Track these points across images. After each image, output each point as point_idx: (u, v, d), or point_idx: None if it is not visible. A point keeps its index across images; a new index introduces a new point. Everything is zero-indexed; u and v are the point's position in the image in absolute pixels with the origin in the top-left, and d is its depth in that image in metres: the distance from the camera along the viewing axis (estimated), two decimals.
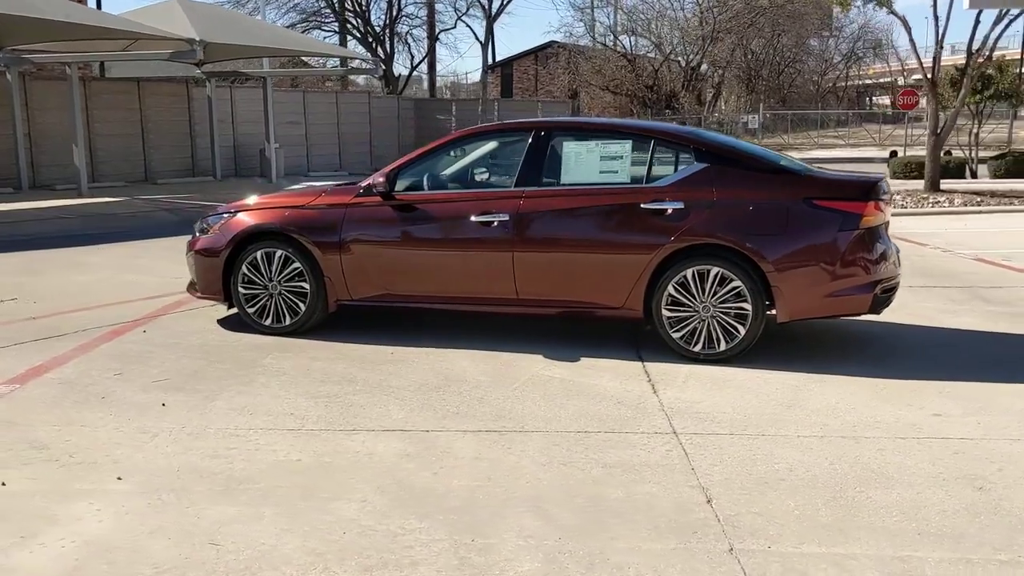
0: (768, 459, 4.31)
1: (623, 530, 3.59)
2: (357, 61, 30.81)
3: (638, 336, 6.61)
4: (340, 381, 5.58)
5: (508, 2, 32.30)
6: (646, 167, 6.26)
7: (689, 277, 5.97)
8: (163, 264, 10.08)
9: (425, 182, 6.76)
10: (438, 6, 39.44)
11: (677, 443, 4.53)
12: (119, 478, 4.08)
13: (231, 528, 3.60)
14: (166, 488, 3.98)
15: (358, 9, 36.80)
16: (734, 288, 5.89)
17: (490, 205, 6.33)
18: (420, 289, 6.55)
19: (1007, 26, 16.39)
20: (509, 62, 55.13)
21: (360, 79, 39.02)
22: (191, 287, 7.18)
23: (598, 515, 3.72)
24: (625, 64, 44.85)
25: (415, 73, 40.15)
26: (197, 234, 7.11)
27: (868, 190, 5.92)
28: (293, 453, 4.40)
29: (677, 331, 6.05)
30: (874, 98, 76.37)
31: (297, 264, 6.64)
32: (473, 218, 6.32)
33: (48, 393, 5.30)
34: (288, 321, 6.73)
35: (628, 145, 6.30)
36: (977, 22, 16.92)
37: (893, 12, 17.24)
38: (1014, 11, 16.13)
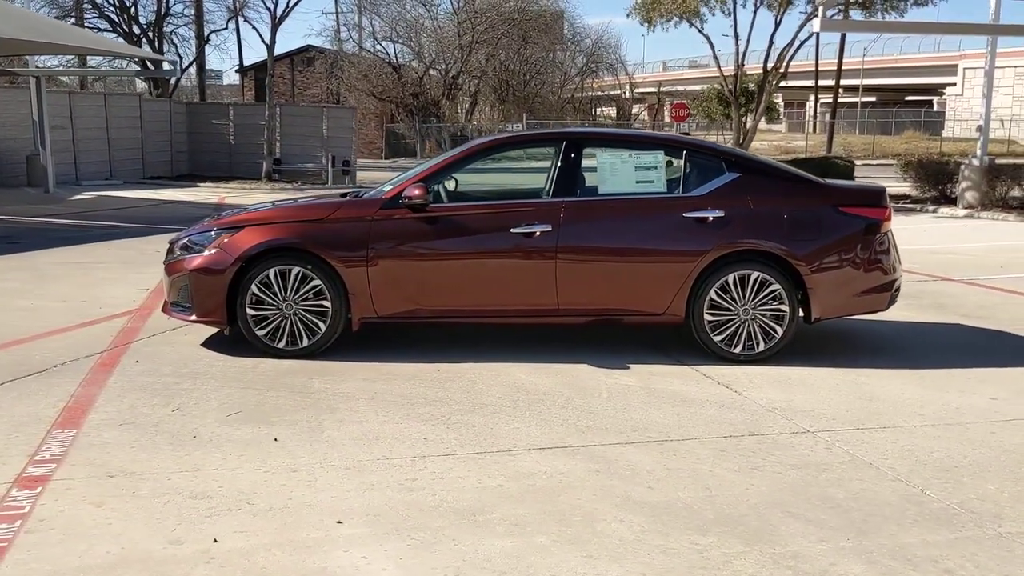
0: (920, 450, 4.64)
1: (890, 526, 3.75)
2: (164, 64, 28.46)
3: (663, 340, 6.77)
4: (429, 402, 5.30)
5: (295, 4, 31.05)
6: (681, 177, 6.46)
7: (730, 282, 6.23)
8: (32, 287, 8.93)
9: (449, 192, 6.55)
10: (208, 5, 37.48)
11: (825, 441, 4.75)
12: (339, 522, 3.68)
13: (531, 560, 3.38)
14: (407, 527, 3.64)
15: (123, 4, 34.04)
16: (772, 291, 6.22)
17: (531, 216, 6.25)
18: (454, 303, 6.33)
19: (798, 48, 18.22)
20: (263, 65, 53.19)
21: (139, 82, 36.04)
22: (174, 308, 6.47)
23: (848, 514, 3.86)
24: (391, 71, 44.77)
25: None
26: (180, 253, 6.44)
27: (882, 197, 6.48)
28: (486, 479, 4.16)
29: (718, 334, 6.29)
30: (601, 109, 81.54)
31: (317, 282, 6.19)
32: (514, 230, 6.21)
33: (124, 437, 4.62)
34: (306, 343, 6.25)
35: (661, 155, 6.45)
36: (771, 43, 18.64)
37: (700, 31, 18.58)
38: (803, 36, 17.95)
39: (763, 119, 35.07)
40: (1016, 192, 17.57)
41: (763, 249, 6.22)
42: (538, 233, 6.20)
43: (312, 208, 6.61)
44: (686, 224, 6.25)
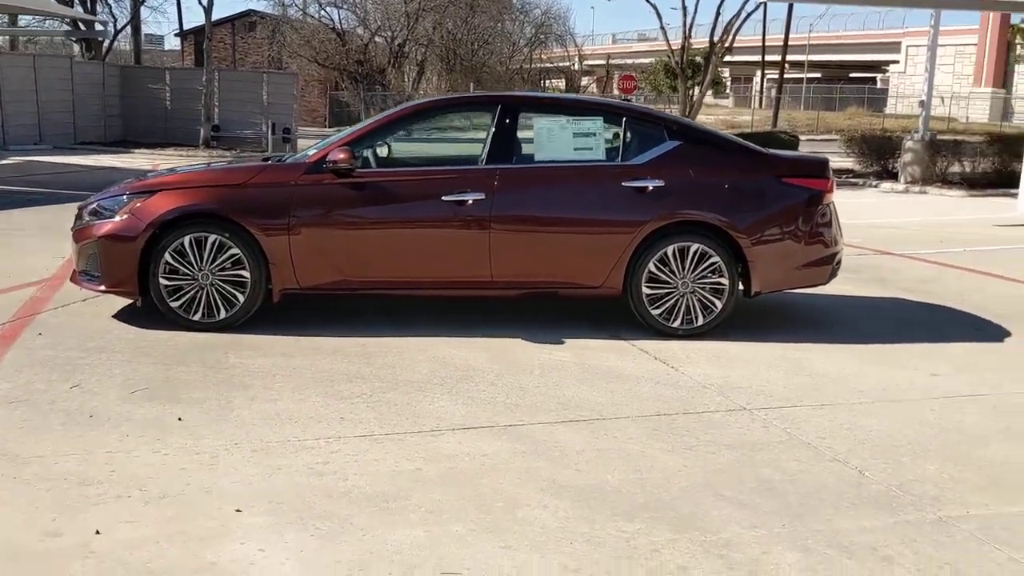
0: (859, 428, 4.48)
1: (827, 510, 3.57)
2: (96, 25, 27.37)
3: (600, 314, 6.55)
4: (350, 379, 5.01)
5: None
6: (620, 145, 6.21)
7: (670, 254, 6.01)
8: None
9: (379, 158, 6.23)
10: None
11: (762, 419, 4.57)
12: (238, 510, 3.39)
13: (445, 552, 3.12)
14: (313, 515, 3.36)
15: None
16: (712, 264, 6.02)
17: (463, 183, 5.95)
18: (381, 274, 6.02)
19: (745, 20, 18.09)
20: (203, 30, 51.80)
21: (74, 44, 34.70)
22: (83, 277, 6.07)
23: (783, 497, 3.67)
24: (335, 38, 43.86)
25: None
26: (89, 219, 6.03)
27: (825, 168, 6.30)
28: (403, 462, 3.89)
29: (657, 308, 6.07)
30: (550, 81, 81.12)
31: (236, 250, 5.83)
32: (445, 197, 5.91)
33: (13, 417, 4.26)
34: (223, 315, 5.90)
35: (600, 122, 6.19)
36: (718, 15, 18.48)
37: (648, 0, 18.33)
38: (750, 7, 17.80)
39: (710, 94, 35.10)
40: (956, 168, 17.69)
41: (704, 220, 6.01)
42: (471, 201, 5.91)
43: (231, 172, 6.25)
44: (625, 194, 6.00)
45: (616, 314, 6.38)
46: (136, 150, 24.96)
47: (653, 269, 6.01)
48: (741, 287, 6.18)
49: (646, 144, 6.23)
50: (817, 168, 6.28)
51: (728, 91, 72.80)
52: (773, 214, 6.07)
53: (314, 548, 3.12)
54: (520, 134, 6.22)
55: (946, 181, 17.40)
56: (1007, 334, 6.46)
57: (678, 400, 4.82)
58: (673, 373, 5.30)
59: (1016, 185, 16.44)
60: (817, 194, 6.15)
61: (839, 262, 6.38)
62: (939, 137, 18.87)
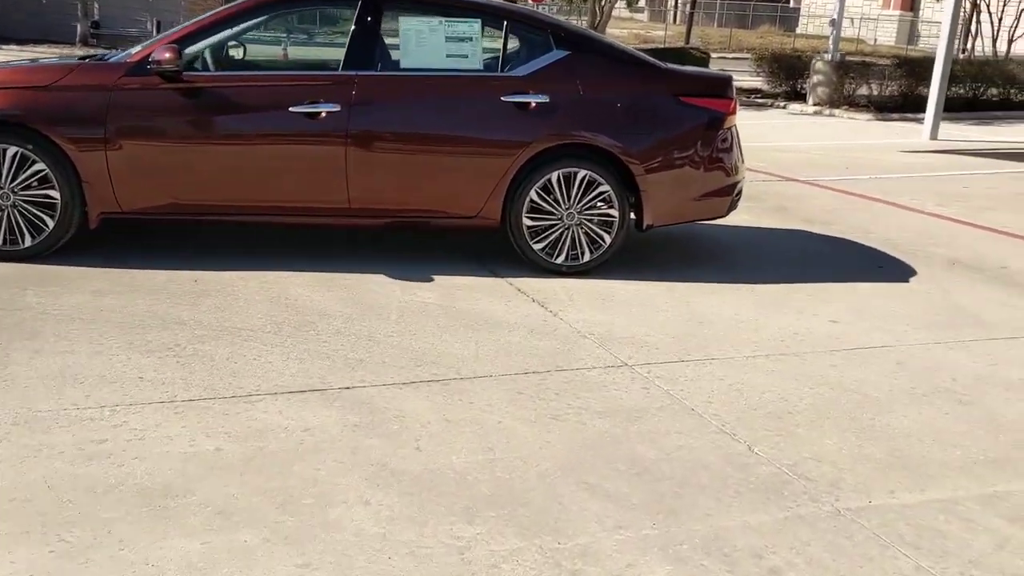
0: (751, 389, 3.92)
1: (708, 501, 2.99)
2: None
3: (478, 247, 5.84)
4: (167, 324, 4.22)
5: None
6: (500, 53, 5.43)
7: (554, 181, 5.32)
8: None
9: (218, 60, 5.32)
10: None
11: (643, 378, 3.97)
12: None
13: (224, 574, 2.44)
14: (60, 521, 2.62)
15: None
16: (601, 193, 5.36)
17: (315, 92, 5.11)
18: (220, 197, 5.18)
19: None
20: None
21: None
22: None
23: (657, 485, 3.08)
24: None
25: None
26: None
27: (728, 86, 5.64)
28: (200, 439, 3.17)
29: (539, 242, 5.40)
30: None
31: (41, 165, 4.91)
32: (293, 108, 5.06)
33: None
34: (29, 242, 5.01)
35: (477, 25, 5.37)
36: None
37: None
38: None
39: (624, 6, 34.11)
40: (864, 90, 17.34)
41: (593, 144, 5.31)
42: (324, 114, 5.08)
43: (35, 71, 5.26)
44: (504, 110, 5.25)
45: (496, 249, 5.68)
46: (5, 46, 22.88)
47: (535, 198, 5.32)
48: (633, 219, 5.53)
49: (530, 53, 5.47)
50: (719, 87, 5.61)
51: (643, 3, 71.68)
52: (669, 138, 5.41)
53: (45, 573, 2.39)
54: (389, 39, 5.37)
55: (854, 104, 17.05)
56: (912, 273, 6.00)
57: (551, 354, 4.18)
58: (551, 319, 4.65)
59: (922, 109, 16.23)
60: (718, 116, 5.50)
61: (740, 192, 5.78)
62: (848, 59, 18.47)
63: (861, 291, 5.48)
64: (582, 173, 5.31)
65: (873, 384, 4.05)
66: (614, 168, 5.36)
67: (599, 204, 5.37)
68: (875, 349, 4.50)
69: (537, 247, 5.39)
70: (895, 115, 16.47)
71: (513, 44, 5.45)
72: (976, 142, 13.36)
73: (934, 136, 13.32)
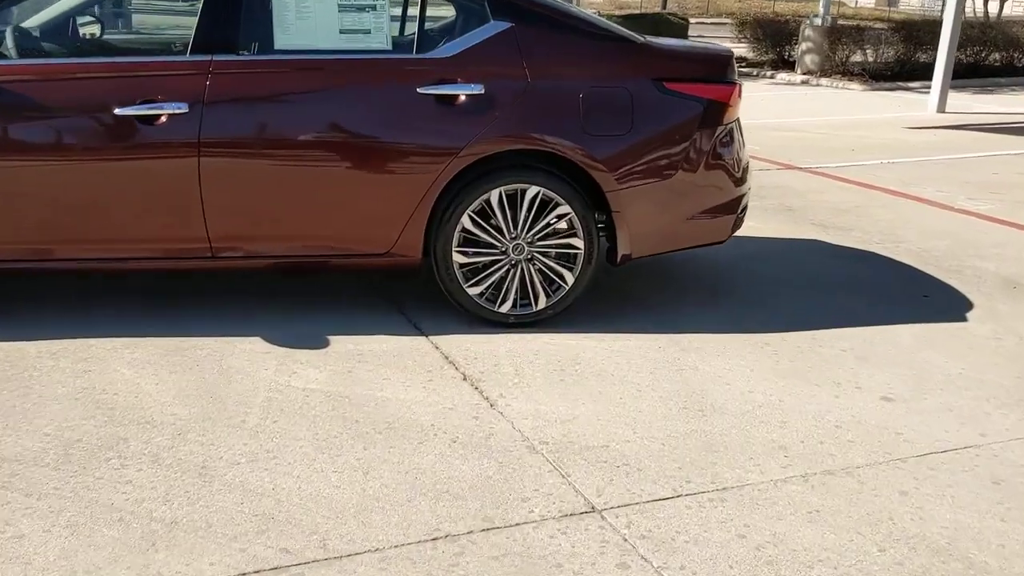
0: (790, 560, 2.48)
1: None
2: None
3: (392, 289, 4.38)
4: None
5: None
6: (416, 27, 3.94)
7: (494, 202, 3.85)
8: None
9: (25, 44, 3.80)
10: None
11: (620, 542, 2.52)
12: None
13: None
14: None
15: None
16: (560, 216, 3.90)
17: (152, 86, 3.61)
18: (24, 238, 3.68)
19: None
20: None
21: None
22: None
23: None
24: None
25: None
26: None
27: (727, 66, 4.17)
28: None
29: (476, 285, 3.94)
30: None
31: None
32: (121, 110, 3.56)
33: None
34: None
35: None
36: None
37: None
38: None
39: None
40: (858, 57, 15.90)
41: (547, 149, 3.84)
42: (164, 117, 3.58)
43: None
44: (422, 106, 3.77)
45: (424, 289, 4.22)
46: None
47: (469, 226, 3.86)
48: (604, 247, 4.09)
49: (458, 26, 3.99)
50: (717, 67, 4.14)
51: None
52: (651, 138, 3.94)
53: None
54: (259, 10, 3.85)
55: (846, 72, 15.61)
56: (965, 303, 4.60)
57: (480, 489, 2.73)
58: (486, 415, 3.20)
59: (919, 78, 14.81)
60: (717, 108, 4.04)
61: (745, 208, 4.33)
62: (840, 23, 17.01)
63: (909, 339, 4.07)
64: (533, 190, 3.85)
65: (974, 533, 2.63)
66: (576, 182, 3.90)
67: (557, 231, 3.92)
68: (956, 453, 3.08)
69: (473, 292, 3.94)
70: (891, 84, 15.10)
71: (434, 13, 3.95)
72: (988, 114, 11.98)
73: (941, 109, 11.92)
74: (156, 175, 3.63)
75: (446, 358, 3.66)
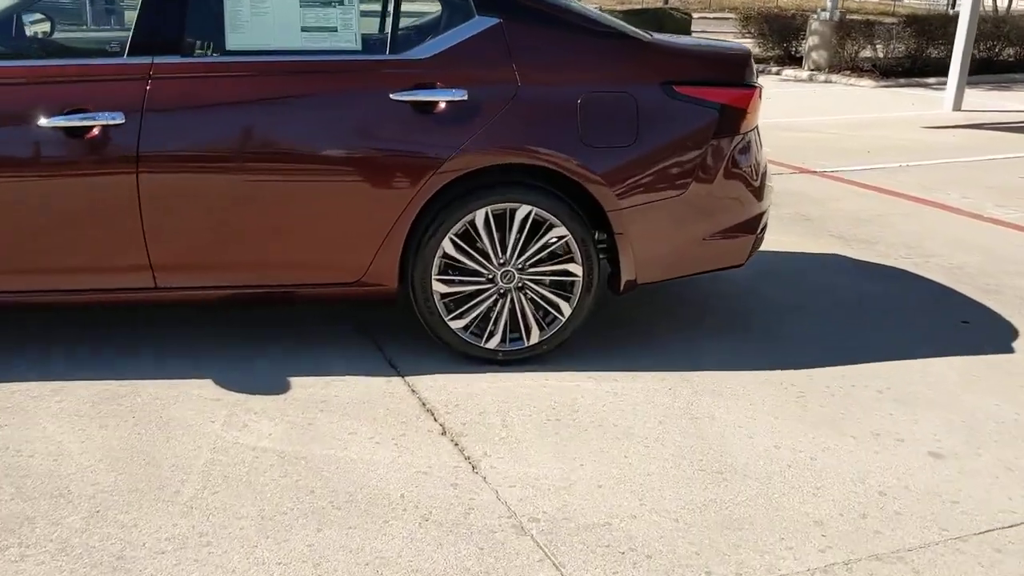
0: None
1: None
2: None
3: (368, 318, 3.90)
4: None
5: None
6: (389, 23, 3.44)
7: (480, 223, 3.37)
8: None
9: None
10: None
11: None
12: None
13: None
14: None
15: None
16: (557, 238, 3.41)
17: (81, 92, 3.12)
18: None
19: None
20: None
21: None
22: None
23: None
24: None
25: None
26: None
27: (745, 67, 3.67)
28: None
29: (458, 317, 3.45)
30: None
31: None
32: (47, 121, 3.07)
33: None
34: None
35: None
36: None
37: None
38: None
39: None
40: (867, 52, 15.38)
41: (539, 163, 3.35)
42: (97, 129, 3.09)
43: None
44: (397, 114, 3.28)
45: (403, 318, 3.74)
46: None
47: (451, 250, 3.37)
48: (605, 272, 3.60)
49: (438, 23, 3.49)
50: (733, 68, 3.64)
51: None
52: (659, 150, 3.45)
53: None
54: (207, 3, 3.35)
55: (855, 68, 15.09)
56: (1012, 332, 4.12)
57: None
58: (466, 480, 2.71)
59: (932, 74, 14.31)
60: (733, 114, 3.54)
61: (765, 227, 3.83)
62: (849, 17, 16.49)
63: (952, 376, 3.58)
64: (524, 210, 3.36)
65: None
66: (574, 200, 3.42)
67: (552, 256, 3.43)
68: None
69: (457, 325, 3.45)
70: (902, 80, 14.56)
71: (410, 8, 3.46)
72: (1006, 112, 11.46)
73: (958, 107, 11.41)
74: (88, 195, 3.14)
75: (423, 405, 3.17)
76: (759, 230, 3.73)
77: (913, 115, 11.12)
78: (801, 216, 6.05)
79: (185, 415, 3.02)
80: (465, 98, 3.28)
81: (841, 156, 8.33)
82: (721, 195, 3.57)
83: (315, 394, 3.21)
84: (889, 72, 14.75)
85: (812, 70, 15.38)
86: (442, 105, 3.28)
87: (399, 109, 3.26)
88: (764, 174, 3.74)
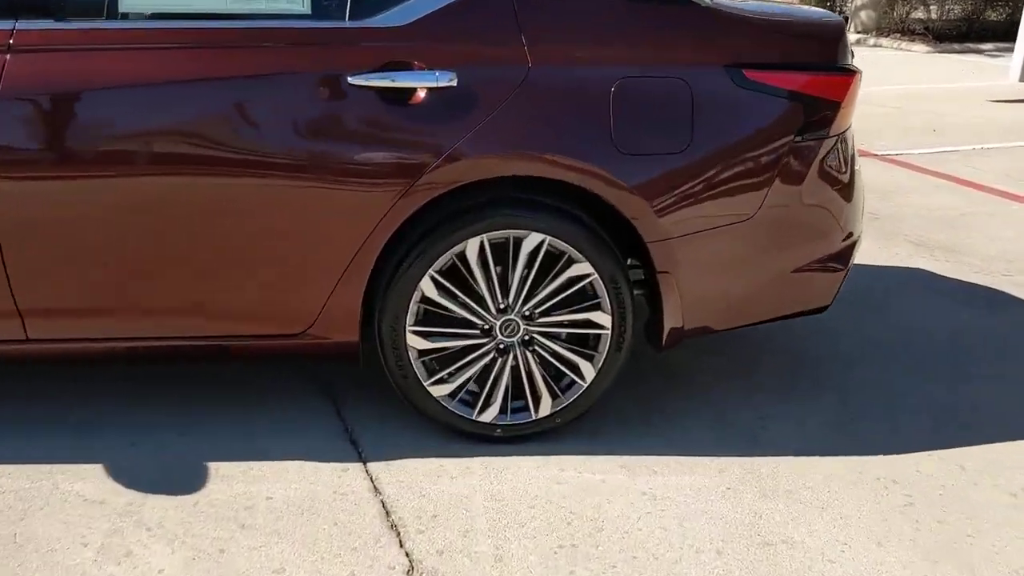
0: None
1: None
2: None
3: (330, 374, 2.99)
4: None
5: None
6: None
7: (472, 256, 2.44)
8: None
9: None
10: None
11: None
12: None
13: None
14: None
15: None
16: (576, 279, 2.48)
17: None
18: None
19: None
20: None
21: None
22: None
23: None
24: None
25: None
26: None
27: (839, 43, 2.69)
28: None
29: (443, 382, 2.54)
30: None
31: None
32: None
33: None
34: None
35: None
36: None
37: None
38: None
39: None
40: (920, 14, 14.19)
41: (556, 176, 2.40)
42: None
43: None
44: (358, 105, 2.34)
45: (374, 373, 2.83)
46: None
47: (432, 292, 2.44)
48: (640, 317, 2.66)
49: None
50: (824, 46, 2.66)
51: None
52: (721, 157, 2.50)
53: None
54: None
55: (906, 31, 13.93)
56: None
57: None
58: None
59: (989, 39, 13.15)
60: (824, 108, 2.58)
61: (853, 256, 2.87)
62: None
63: None
64: (533, 239, 2.43)
65: None
66: (603, 226, 2.48)
67: (571, 301, 2.50)
68: None
69: (440, 392, 2.54)
70: (957, 45, 13.41)
71: None
72: None
73: None
74: None
75: (387, 516, 2.27)
76: (848, 264, 2.78)
77: (976, 86, 10.02)
78: (869, 213, 5.07)
79: (50, 530, 2.15)
80: (454, 83, 2.33)
81: (903, 135, 7.31)
82: (804, 218, 2.62)
83: (239, 494, 2.32)
84: (943, 36, 13.59)
85: (859, 32, 14.22)
86: (421, 93, 2.33)
87: (360, 98, 2.32)
88: (860, 187, 2.78)
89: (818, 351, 3.33)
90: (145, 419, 2.64)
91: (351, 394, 2.83)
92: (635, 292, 2.55)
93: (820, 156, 2.58)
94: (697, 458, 2.58)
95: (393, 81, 2.32)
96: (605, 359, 2.57)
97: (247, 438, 2.57)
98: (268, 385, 2.87)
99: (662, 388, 2.97)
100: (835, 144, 2.61)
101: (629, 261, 2.58)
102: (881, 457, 2.63)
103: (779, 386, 3.03)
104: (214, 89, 2.30)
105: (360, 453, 2.55)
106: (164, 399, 2.75)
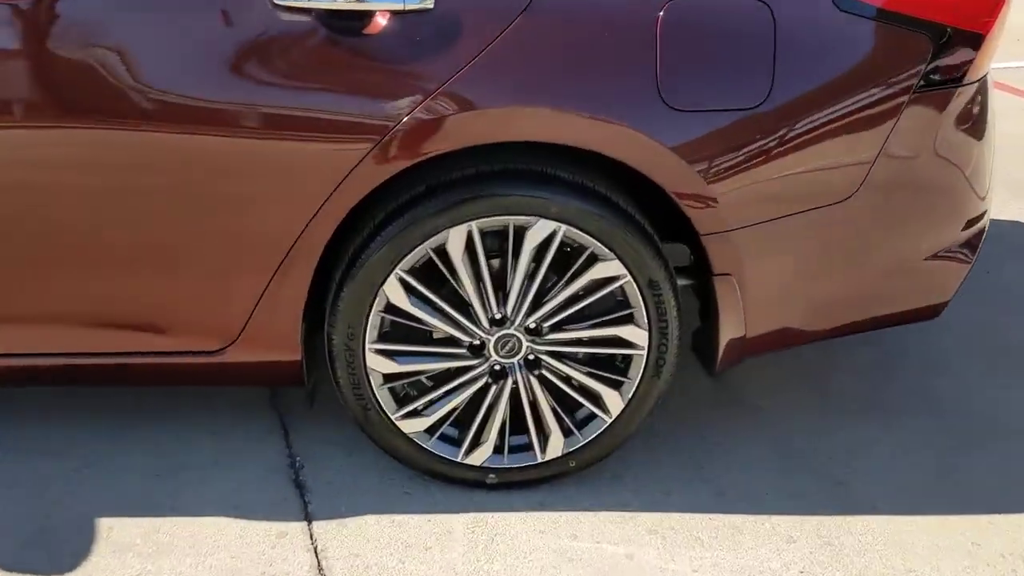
0: None
1: None
2: None
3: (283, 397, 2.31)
4: None
5: None
6: None
7: (456, 249, 1.73)
8: None
9: None
10: None
11: None
12: None
13: None
14: None
15: None
16: (604, 280, 1.78)
17: None
18: None
19: None
20: None
21: None
22: None
23: None
24: None
25: None
26: None
27: None
28: None
29: (415, 415, 1.87)
30: None
31: None
32: None
33: None
34: None
35: None
36: None
37: None
38: None
39: None
40: None
41: (573, 140, 1.67)
42: None
43: None
44: (290, 36, 1.60)
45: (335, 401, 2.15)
46: None
47: (400, 298, 1.75)
48: (686, 332, 1.96)
49: None
50: None
51: None
52: (810, 109, 1.73)
53: None
54: None
55: None
56: None
57: None
58: None
59: None
60: (961, 44, 1.80)
61: (981, 243, 2.11)
62: None
63: None
64: (543, 228, 1.73)
65: None
66: (640, 210, 1.76)
67: (594, 312, 1.81)
68: None
69: (412, 428, 1.88)
70: None
71: None
72: None
73: None
74: None
75: None
76: (975, 253, 2.05)
77: None
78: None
79: None
80: (429, 5, 1.59)
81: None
82: (923, 197, 1.89)
83: (148, 570, 1.69)
84: None
85: None
86: (381, 19, 1.60)
87: (292, 28, 1.59)
88: (992, 151, 2.03)
89: (901, 352, 2.61)
90: (45, 446, 2.00)
91: (307, 426, 2.17)
92: (678, 310, 1.84)
93: (951, 113, 1.82)
94: (758, 518, 1.92)
95: (338, 3, 1.58)
96: (638, 387, 1.88)
97: (172, 483, 1.93)
98: (202, 391, 2.21)
99: (708, 409, 2.28)
100: (973, 96, 1.86)
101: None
102: (1003, 518, 1.96)
103: (862, 407, 2.33)
104: (89, 15, 1.58)
105: (306, 504, 1.91)
106: (74, 418, 2.12)
